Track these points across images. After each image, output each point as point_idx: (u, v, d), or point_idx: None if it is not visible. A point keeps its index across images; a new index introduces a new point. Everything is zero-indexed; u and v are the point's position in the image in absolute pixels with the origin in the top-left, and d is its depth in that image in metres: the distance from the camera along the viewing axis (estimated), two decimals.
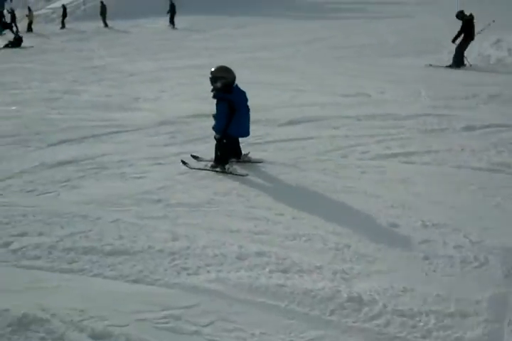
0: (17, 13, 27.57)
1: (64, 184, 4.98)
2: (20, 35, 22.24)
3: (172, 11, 25.68)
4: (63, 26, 27.87)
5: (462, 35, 11.78)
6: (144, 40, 21.24)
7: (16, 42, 21.82)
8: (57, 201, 4.58)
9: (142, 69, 12.71)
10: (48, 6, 33.89)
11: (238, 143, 5.41)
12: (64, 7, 28.49)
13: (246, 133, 5.22)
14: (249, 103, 5.15)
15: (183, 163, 5.37)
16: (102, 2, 27.59)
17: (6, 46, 21.54)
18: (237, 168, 5.15)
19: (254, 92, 5.88)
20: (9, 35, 23.78)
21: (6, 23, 27.12)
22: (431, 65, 11.93)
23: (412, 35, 16.69)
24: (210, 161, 5.38)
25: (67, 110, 8.37)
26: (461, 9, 12.13)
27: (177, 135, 6.69)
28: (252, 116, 5.24)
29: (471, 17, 11.77)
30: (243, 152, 5.48)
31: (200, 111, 7.32)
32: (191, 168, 5.29)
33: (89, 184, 5.02)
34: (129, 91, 9.90)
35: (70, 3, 32.51)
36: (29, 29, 27.04)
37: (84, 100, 9.22)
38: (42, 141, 6.53)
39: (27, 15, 28.01)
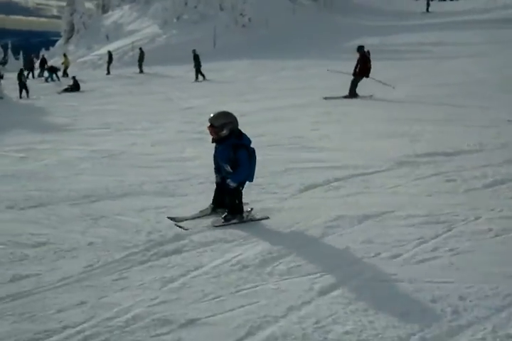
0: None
1: None
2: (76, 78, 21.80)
3: (197, 64, 22.66)
4: (109, 72, 27.69)
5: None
6: (208, 83, 20.65)
7: (75, 87, 21.40)
8: None
9: (246, 110, 11.75)
10: (94, 53, 34.01)
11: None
12: (109, 53, 28.49)
13: (253, 178, 4.78)
14: None
15: (174, 221, 4.68)
16: (140, 48, 27.66)
17: (66, 90, 21.12)
18: (254, 212, 4.66)
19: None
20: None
21: (53, 67, 27.11)
22: None
23: (506, 73, 15.71)
24: (197, 217, 4.77)
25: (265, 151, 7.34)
26: (362, 45, 13.83)
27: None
28: None
29: (368, 54, 13.34)
30: (246, 208, 4.81)
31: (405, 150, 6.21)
32: (186, 229, 4.48)
33: None
34: (277, 130, 8.92)
35: (117, 49, 32.56)
36: (64, 74, 27.11)
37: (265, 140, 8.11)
38: None
39: (62, 63, 28.06)
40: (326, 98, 12.96)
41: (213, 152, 4.73)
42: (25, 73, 22.45)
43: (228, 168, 4.59)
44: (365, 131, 8.46)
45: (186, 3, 35.46)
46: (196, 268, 3.57)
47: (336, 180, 5.65)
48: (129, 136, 8.82)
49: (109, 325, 2.81)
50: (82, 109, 13.87)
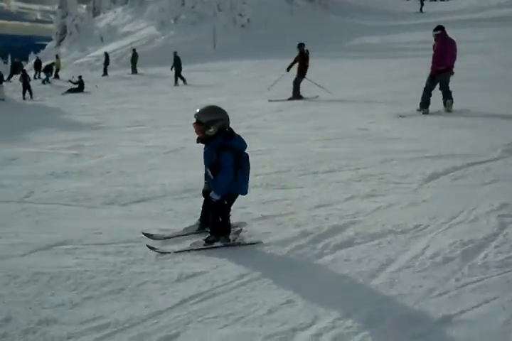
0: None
1: None
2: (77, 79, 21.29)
3: (178, 67, 21.82)
4: (105, 73, 27.20)
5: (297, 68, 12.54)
6: (219, 80, 20.26)
7: (79, 88, 20.90)
8: None
9: (278, 106, 11.45)
10: (90, 54, 33.46)
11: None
12: (106, 54, 28.02)
13: (246, 190, 3.84)
14: None
15: (150, 248, 3.71)
16: (134, 50, 27.38)
17: (70, 91, 20.61)
18: (244, 235, 3.79)
19: None
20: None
21: (49, 66, 26.56)
22: None
23: None
24: (182, 235, 3.95)
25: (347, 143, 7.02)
26: (303, 42, 13.24)
27: None
28: None
29: (307, 53, 12.67)
30: (234, 229, 3.97)
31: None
32: (163, 253, 3.66)
33: None
34: (336, 124, 8.66)
35: (114, 50, 32.03)
36: (56, 76, 26.74)
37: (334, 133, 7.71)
38: None
39: (53, 64, 27.51)
40: (270, 101, 12.42)
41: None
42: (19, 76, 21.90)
43: (211, 175, 3.71)
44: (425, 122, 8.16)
45: (183, 4, 35.04)
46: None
47: (455, 169, 5.27)
48: (173, 132, 8.40)
49: None
50: (98, 108, 13.40)
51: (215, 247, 3.69)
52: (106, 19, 45.61)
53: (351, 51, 26.65)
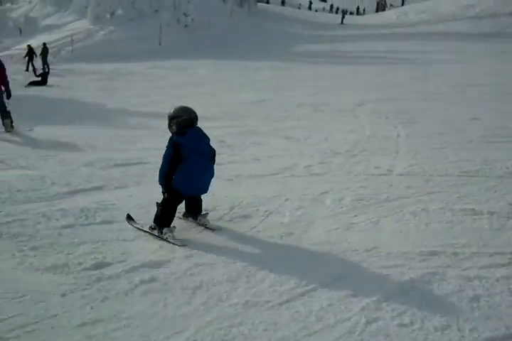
0: None
1: None
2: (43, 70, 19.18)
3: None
4: (27, 69, 23.81)
5: None
6: (201, 78, 19.41)
7: (43, 81, 18.84)
8: None
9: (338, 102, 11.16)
10: (16, 47, 30.33)
11: (197, 200, 4.28)
12: (30, 48, 24.65)
13: (199, 190, 4.16)
14: None
15: (129, 218, 4.32)
16: (44, 44, 24.69)
17: (31, 84, 18.48)
18: (176, 235, 4.01)
19: None
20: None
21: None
22: None
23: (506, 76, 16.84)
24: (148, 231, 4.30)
25: None
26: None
27: None
28: None
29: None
30: (203, 211, 4.35)
31: None
32: (133, 226, 4.24)
33: None
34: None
35: (48, 43, 29.33)
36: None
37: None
38: None
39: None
40: None
41: None
42: None
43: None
44: None
45: None
46: None
47: None
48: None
49: None
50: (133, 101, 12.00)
51: (152, 235, 4.04)
52: (20, 10, 41.77)
53: (308, 57, 27.03)
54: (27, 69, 24.05)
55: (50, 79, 19.08)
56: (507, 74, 17.45)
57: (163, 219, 4.01)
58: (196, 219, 4.29)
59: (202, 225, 4.23)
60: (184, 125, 3.93)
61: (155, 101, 12.52)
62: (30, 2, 42.81)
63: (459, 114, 9.92)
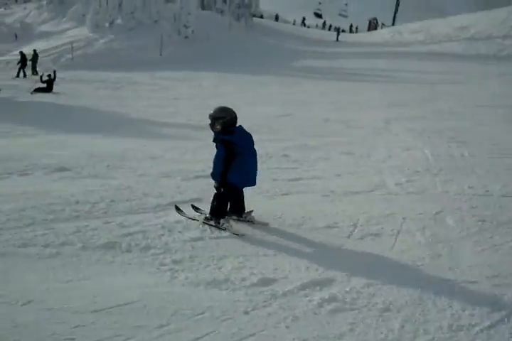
0: None
1: None
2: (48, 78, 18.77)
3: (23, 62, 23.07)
4: (22, 74, 23.67)
5: None
6: (208, 91, 19.24)
7: (48, 87, 18.48)
8: None
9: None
10: (12, 53, 29.82)
11: (242, 196, 4.64)
12: (22, 54, 24.06)
13: (251, 183, 4.54)
14: None
15: (177, 209, 4.79)
16: (34, 50, 24.92)
17: (37, 90, 18.11)
18: (234, 224, 4.45)
19: None
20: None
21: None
22: None
23: None
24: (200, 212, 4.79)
25: None
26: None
27: None
28: None
29: None
30: (247, 209, 4.70)
31: None
32: (184, 216, 4.68)
33: None
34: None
35: (46, 50, 29.00)
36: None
37: None
38: None
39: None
40: None
41: None
42: None
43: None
44: None
45: (120, 8, 33.04)
46: None
47: None
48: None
49: None
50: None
51: (210, 225, 4.42)
52: (14, 15, 41.25)
53: (310, 72, 27.11)
54: (17, 76, 23.60)
55: (54, 86, 18.74)
56: None
57: (219, 211, 4.41)
58: (241, 217, 4.57)
59: (248, 221, 4.55)
60: (228, 124, 4.29)
61: (176, 113, 12.34)
62: (25, 8, 42.33)
63: (500, 133, 9.93)
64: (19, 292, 3.08)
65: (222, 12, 40.71)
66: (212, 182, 4.43)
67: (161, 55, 30.11)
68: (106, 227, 4.28)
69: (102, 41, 30.37)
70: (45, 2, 40.02)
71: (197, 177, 6.20)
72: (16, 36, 36.76)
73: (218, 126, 4.30)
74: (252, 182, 4.47)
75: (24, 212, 4.57)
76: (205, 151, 7.58)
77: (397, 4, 74.41)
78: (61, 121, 10.57)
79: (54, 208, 4.71)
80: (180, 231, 4.32)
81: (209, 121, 4.36)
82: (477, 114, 13.46)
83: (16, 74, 23.84)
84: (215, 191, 4.41)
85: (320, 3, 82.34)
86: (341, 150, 8.13)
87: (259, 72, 26.99)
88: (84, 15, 35.65)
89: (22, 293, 3.07)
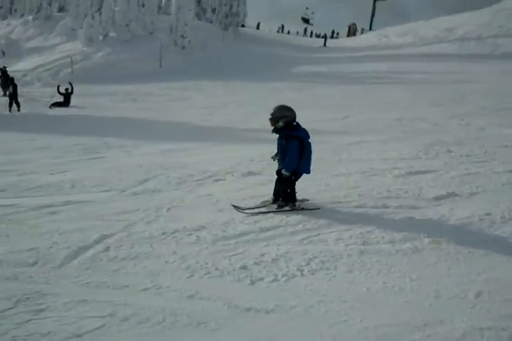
0: None
1: None
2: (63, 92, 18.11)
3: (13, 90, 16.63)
4: (5, 94, 18.98)
5: None
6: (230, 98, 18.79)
7: (65, 101, 17.83)
8: None
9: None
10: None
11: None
12: (2, 71, 20.81)
13: (309, 170, 5.16)
14: None
15: (235, 207, 5.19)
16: (4, 67, 21.57)
17: (54, 105, 17.45)
18: (307, 203, 5.13)
19: None
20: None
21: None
22: None
23: None
24: (258, 207, 5.22)
25: None
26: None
27: None
28: None
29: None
30: (300, 198, 5.32)
31: None
32: (244, 212, 5.08)
33: None
34: None
35: (42, 65, 28.22)
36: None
37: None
38: None
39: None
40: None
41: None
42: None
43: (280, 157, 4.99)
44: None
45: (114, 21, 32.42)
46: None
47: None
48: None
49: None
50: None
51: (284, 210, 5.01)
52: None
53: (314, 77, 26.91)
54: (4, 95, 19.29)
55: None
56: None
57: (293, 195, 5.09)
58: (295, 206, 5.10)
59: (302, 209, 5.07)
60: (290, 121, 4.86)
61: (236, 119, 11.94)
62: (8, 24, 41.24)
63: None
64: None
65: (211, 22, 40.41)
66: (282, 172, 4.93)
67: (160, 66, 29.56)
68: None
69: (99, 54, 29.70)
70: (30, 18, 39.04)
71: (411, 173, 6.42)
72: (3, 52, 35.74)
73: (281, 123, 4.84)
74: (309, 171, 5.05)
75: None
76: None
77: (374, 9, 75.44)
78: (143, 132, 10.11)
79: None
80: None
81: (270, 118, 4.89)
82: None
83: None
84: (280, 180, 4.99)
85: (307, 8, 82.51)
86: (440, 149, 8.02)
87: (265, 79, 26.70)
88: (73, 30, 34.98)
89: None
